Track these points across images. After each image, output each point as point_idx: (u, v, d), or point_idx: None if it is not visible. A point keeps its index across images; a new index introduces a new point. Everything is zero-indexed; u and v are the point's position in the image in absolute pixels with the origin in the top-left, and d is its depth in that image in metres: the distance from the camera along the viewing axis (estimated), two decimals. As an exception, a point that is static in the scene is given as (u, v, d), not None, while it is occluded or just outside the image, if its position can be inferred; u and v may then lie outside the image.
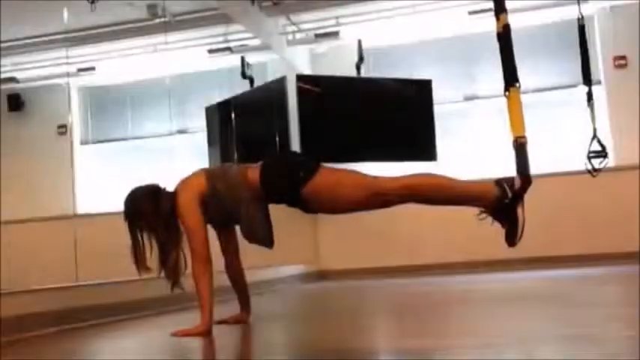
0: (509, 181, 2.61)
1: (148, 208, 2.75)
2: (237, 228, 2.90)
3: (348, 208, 2.73)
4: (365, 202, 2.66)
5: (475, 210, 2.68)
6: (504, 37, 2.67)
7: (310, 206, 2.73)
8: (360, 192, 2.65)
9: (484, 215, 2.66)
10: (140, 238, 2.74)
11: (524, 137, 2.59)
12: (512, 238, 2.62)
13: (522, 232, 2.60)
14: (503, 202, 2.59)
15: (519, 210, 2.59)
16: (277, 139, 6.61)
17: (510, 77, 2.65)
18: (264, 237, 2.81)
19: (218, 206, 2.74)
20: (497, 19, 2.71)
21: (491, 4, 2.82)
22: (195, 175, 2.80)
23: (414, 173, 2.68)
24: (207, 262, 2.68)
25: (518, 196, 2.59)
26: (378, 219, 7.23)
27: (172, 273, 2.74)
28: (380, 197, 2.64)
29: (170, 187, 2.82)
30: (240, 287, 3.08)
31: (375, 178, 2.69)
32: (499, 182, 2.62)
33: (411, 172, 2.71)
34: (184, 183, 2.79)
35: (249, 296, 3.11)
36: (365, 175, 2.71)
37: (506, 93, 2.68)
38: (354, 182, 2.68)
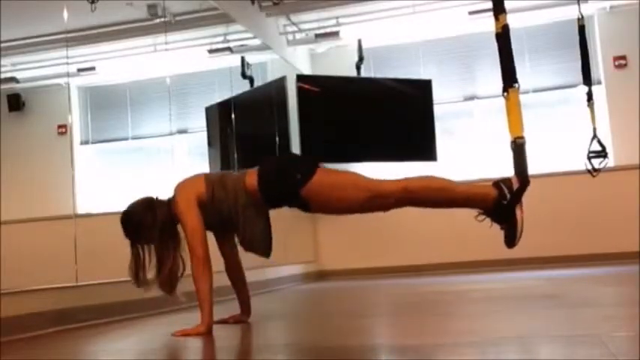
0: (507, 182, 2.60)
1: (146, 221, 2.74)
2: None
3: (347, 209, 2.73)
4: (364, 204, 2.65)
5: (473, 211, 2.68)
6: (503, 37, 2.67)
7: (310, 207, 2.73)
8: (359, 194, 2.64)
9: (483, 217, 2.65)
10: (141, 254, 2.74)
11: (522, 138, 2.59)
12: (512, 240, 2.62)
13: (521, 233, 2.59)
14: (502, 203, 2.58)
15: (518, 211, 2.59)
16: (277, 139, 6.62)
17: (509, 78, 2.64)
18: (262, 247, 2.81)
19: (216, 213, 2.73)
20: (497, 19, 2.71)
21: (491, 4, 2.82)
22: (194, 178, 2.80)
23: (415, 176, 2.67)
24: (207, 263, 2.68)
25: (517, 197, 2.59)
26: (378, 219, 7.23)
27: (166, 283, 2.74)
28: (379, 200, 2.63)
29: (165, 192, 2.82)
30: (240, 287, 3.08)
31: (375, 180, 2.68)
32: (497, 184, 2.61)
33: (411, 173, 2.70)
34: (184, 184, 2.79)
35: (249, 296, 3.11)
36: (365, 178, 2.70)
37: (505, 94, 2.68)
38: (354, 184, 2.67)
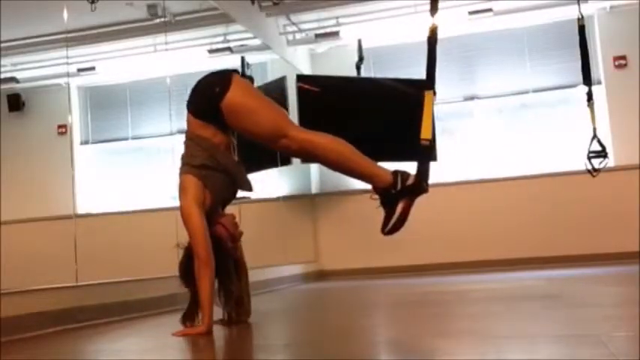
0: (405, 175, 2.65)
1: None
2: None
3: (258, 136, 2.79)
4: (271, 138, 2.74)
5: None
6: (432, 41, 2.68)
7: (232, 124, 2.82)
8: (270, 127, 2.74)
9: (376, 197, 2.70)
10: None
11: (428, 140, 2.63)
12: (384, 227, 2.65)
13: (398, 227, 2.61)
14: (390, 191, 2.61)
15: (401, 204, 2.61)
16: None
17: (429, 82, 2.68)
18: (242, 178, 2.94)
19: (215, 177, 2.82)
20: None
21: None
22: (183, 180, 2.81)
23: (324, 134, 2.73)
24: (208, 263, 2.69)
25: (406, 191, 2.61)
26: (378, 219, 7.25)
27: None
28: (285, 141, 2.71)
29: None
30: (242, 285, 3.07)
31: (290, 122, 2.81)
32: (395, 172, 2.67)
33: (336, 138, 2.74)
34: (182, 189, 2.80)
35: (250, 295, 3.10)
36: (282, 114, 2.84)
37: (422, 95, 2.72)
38: (269, 117, 2.77)
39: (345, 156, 2.71)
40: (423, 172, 2.64)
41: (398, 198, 2.63)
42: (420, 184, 2.62)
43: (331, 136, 2.73)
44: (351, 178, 2.81)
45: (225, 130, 2.87)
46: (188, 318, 2.80)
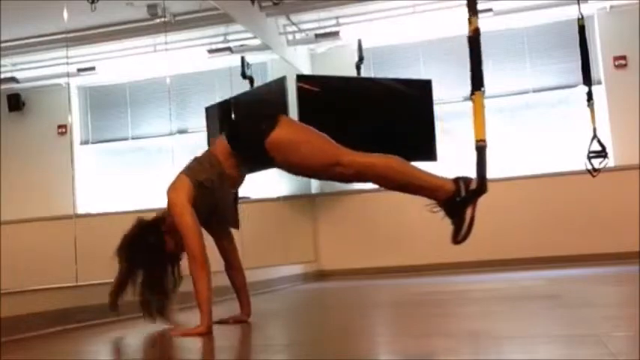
0: (467, 180, 2.62)
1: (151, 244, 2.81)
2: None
3: (308, 169, 2.77)
4: (324, 168, 2.69)
5: (475, 212, 2.68)
6: (474, 41, 2.67)
7: (277, 162, 2.76)
8: (319, 155, 2.68)
9: (437, 209, 2.67)
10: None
11: (484, 141, 2.60)
12: (455, 236, 2.63)
13: (468, 233, 2.59)
14: (455, 199, 2.59)
15: (468, 210, 2.59)
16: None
17: (477, 82, 2.66)
18: (230, 216, 2.89)
19: (205, 198, 2.76)
20: (469, 22, 2.71)
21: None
22: (179, 179, 2.80)
23: (379, 154, 2.70)
24: (204, 262, 2.68)
25: (470, 198, 2.59)
26: (378, 219, 7.26)
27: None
28: (339, 168, 2.66)
29: (165, 192, 2.83)
30: (240, 287, 3.08)
31: (340, 148, 2.71)
32: (456, 180, 2.64)
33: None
34: (172, 188, 2.79)
35: (249, 296, 3.11)
36: (330, 142, 2.74)
37: (472, 97, 2.69)
38: (317, 145, 2.71)
39: (405, 172, 2.65)
40: (481, 174, 2.58)
41: (465, 205, 2.59)
42: (484, 186, 2.57)
43: (384, 155, 2.68)
44: (410, 194, 2.71)
45: (244, 169, 2.85)
46: (111, 296, 2.79)
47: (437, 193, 2.62)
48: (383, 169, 2.65)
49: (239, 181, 2.92)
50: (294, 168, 2.80)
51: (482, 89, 2.65)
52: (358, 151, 2.70)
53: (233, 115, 2.71)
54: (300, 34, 7.62)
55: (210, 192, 2.76)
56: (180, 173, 2.83)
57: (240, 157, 2.80)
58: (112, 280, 2.83)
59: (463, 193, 2.59)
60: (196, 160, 2.85)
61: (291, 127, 2.75)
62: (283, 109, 6.63)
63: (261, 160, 2.79)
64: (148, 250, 2.80)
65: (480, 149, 2.58)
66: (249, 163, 2.86)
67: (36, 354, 2.51)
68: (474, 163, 2.61)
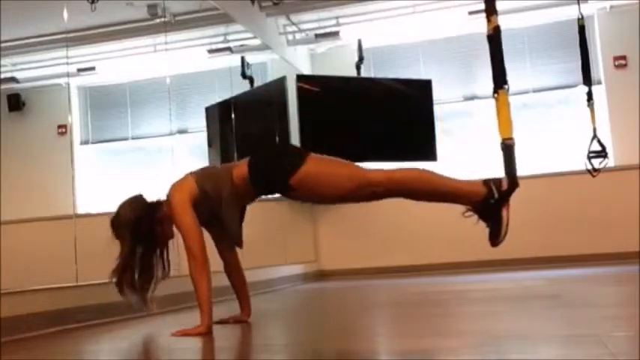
0: (497, 181, 2.62)
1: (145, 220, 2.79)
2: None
3: (336, 198, 2.76)
4: (353, 193, 2.68)
5: (461, 208, 2.68)
6: (495, 39, 2.67)
7: (300, 195, 2.75)
8: (348, 183, 2.66)
9: (470, 213, 2.66)
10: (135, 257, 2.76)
11: (511, 139, 2.60)
12: (495, 238, 2.63)
13: (506, 232, 2.59)
14: (489, 202, 2.59)
15: (504, 211, 2.59)
16: (277, 139, 6.62)
17: (500, 79, 2.65)
18: (234, 236, 2.85)
19: (206, 206, 2.75)
20: (488, 20, 2.71)
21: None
22: (184, 179, 2.81)
23: (405, 167, 2.70)
24: (205, 263, 2.68)
25: (504, 197, 2.59)
26: (378, 219, 7.25)
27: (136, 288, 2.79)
28: (368, 189, 2.65)
29: (164, 193, 2.83)
30: (240, 287, 3.08)
31: (364, 169, 2.71)
32: (487, 182, 2.63)
33: (402, 166, 2.72)
34: (176, 186, 2.79)
35: (249, 296, 3.11)
36: (355, 166, 2.73)
37: (495, 95, 2.68)
38: (343, 172, 2.69)
39: (434, 182, 2.64)
40: (511, 171, 2.58)
41: (500, 206, 2.58)
42: (515, 184, 2.57)
43: (408, 168, 2.68)
44: (442, 202, 2.69)
45: (258, 196, 2.84)
46: (119, 284, 2.79)
47: (469, 197, 2.62)
48: (412, 182, 2.65)
49: (250, 202, 2.91)
50: (317, 198, 2.80)
51: (506, 86, 2.64)
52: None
53: (254, 155, 2.65)
54: (300, 34, 7.62)
55: (215, 202, 2.76)
56: (189, 174, 2.83)
57: (258, 190, 2.79)
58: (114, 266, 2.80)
59: (496, 195, 2.58)
60: (214, 168, 2.86)
61: (315, 165, 2.70)
62: (284, 111, 6.63)
63: (280, 192, 2.78)
64: (151, 230, 2.80)
65: (508, 147, 2.58)
66: (266, 194, 2.86)
67: (36, 354, 2.51)
68: (502, 161, 2.61)
